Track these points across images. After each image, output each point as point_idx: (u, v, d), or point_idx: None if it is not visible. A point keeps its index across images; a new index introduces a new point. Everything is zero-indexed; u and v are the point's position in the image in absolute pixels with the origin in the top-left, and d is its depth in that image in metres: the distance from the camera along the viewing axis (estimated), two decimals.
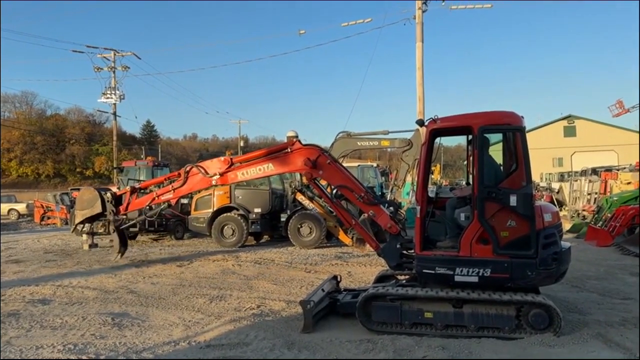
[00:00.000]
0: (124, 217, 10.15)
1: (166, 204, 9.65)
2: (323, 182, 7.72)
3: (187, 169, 8.61)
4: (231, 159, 8.05)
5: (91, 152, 65.01)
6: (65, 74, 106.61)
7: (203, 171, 8.25)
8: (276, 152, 7.59)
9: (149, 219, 9.93)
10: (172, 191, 8.77)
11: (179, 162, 64.52)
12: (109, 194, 9.68)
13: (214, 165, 8.17)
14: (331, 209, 13.22)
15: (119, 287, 8.45)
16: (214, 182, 8.21)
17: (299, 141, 7.28)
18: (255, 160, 7.73)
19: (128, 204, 9.48)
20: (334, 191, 7.17)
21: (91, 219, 9.95)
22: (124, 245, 10.14)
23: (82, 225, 10.04)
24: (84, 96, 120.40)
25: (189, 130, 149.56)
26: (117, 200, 9.65)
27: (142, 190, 10.09)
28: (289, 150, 7.29)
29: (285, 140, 21.69)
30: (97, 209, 9.57)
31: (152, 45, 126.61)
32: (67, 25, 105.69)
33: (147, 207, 9.34)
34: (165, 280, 8.96)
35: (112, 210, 9.50)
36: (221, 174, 8.01)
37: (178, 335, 5.72)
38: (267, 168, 7.59)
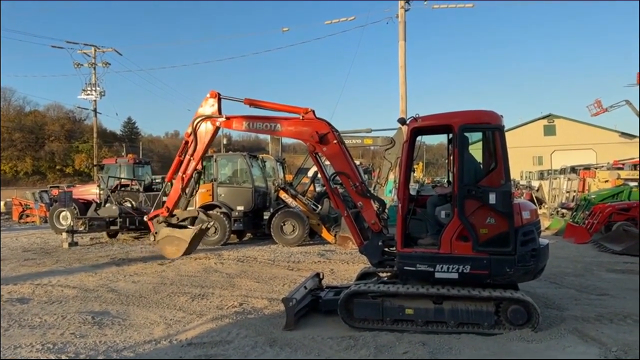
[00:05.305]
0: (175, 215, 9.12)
1: (196, 172, 8.60)
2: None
3: (194, 124, 8.10)
4: (218, 93, 7.95)
5: (71, 150, 64.01)
6: (45, 70, 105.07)
7: (204, 115, 7.99)
8: (288, 111, 7.47)
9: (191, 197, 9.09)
10: (191, 158, 8.33)
11: (161, 159, 63.88)
12: (160, 218, 8.82)
13: (206, 106, 8.03)
14: (316, 202, 13.30)
15: (99, 285, 8.36)
16: (218, 124, 7.98)
17: (313, 112, 7.19)
18: (264, 116, 7.65)
19: (167, 205, 8.84)
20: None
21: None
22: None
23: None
24: (63, 92, 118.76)
25: (171, 128, 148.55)
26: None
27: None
28: (301, 117, 7.22)
29: (269, 141, 21.65)
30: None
31: (134, 42, 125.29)
32: (46, 20, 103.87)
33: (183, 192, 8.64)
34: (146, 279, 8.89)
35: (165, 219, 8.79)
36: (227, 117, 7.87)
37: (159, 333, 5.69)
38: (274, 127, 7.49)
